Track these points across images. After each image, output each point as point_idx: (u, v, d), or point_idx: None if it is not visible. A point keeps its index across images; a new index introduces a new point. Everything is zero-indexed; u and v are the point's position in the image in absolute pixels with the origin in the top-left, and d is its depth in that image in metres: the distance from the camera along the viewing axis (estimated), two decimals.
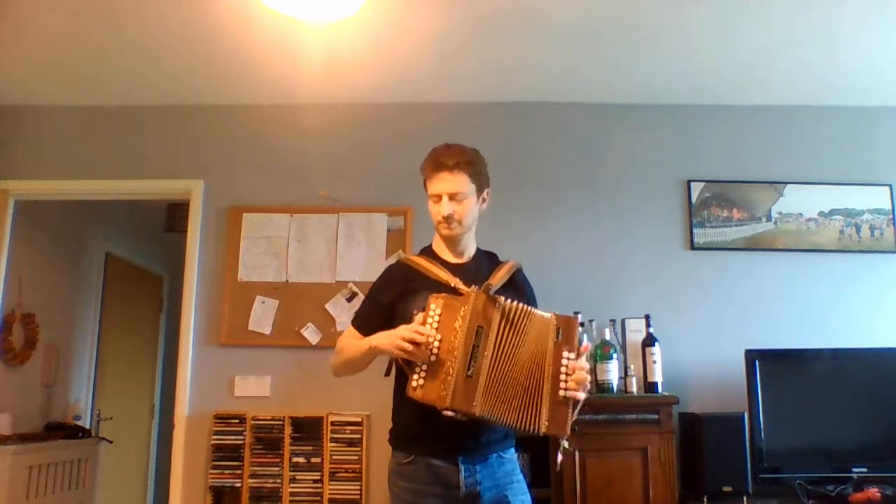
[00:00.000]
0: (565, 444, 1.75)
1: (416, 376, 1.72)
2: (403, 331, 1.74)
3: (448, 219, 1.90)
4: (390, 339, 1.76)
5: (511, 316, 1.76)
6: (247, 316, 3.35)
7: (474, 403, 1.68)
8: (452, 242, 1.97)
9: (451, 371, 1.69)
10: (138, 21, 2.82)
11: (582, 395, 1.74)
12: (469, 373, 1.70)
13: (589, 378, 1.77)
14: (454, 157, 1.89)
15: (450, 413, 1.67)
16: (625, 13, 2.76)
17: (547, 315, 1.79)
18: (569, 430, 1.72)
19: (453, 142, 1.98)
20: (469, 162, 1.90)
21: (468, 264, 1.97)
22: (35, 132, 3.58)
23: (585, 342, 1.84)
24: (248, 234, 3.43)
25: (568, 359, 1.75)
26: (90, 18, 2.80)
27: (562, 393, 1.72)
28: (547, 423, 1.71)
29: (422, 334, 1.71)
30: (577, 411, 1.74)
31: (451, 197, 1.89)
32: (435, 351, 1.72)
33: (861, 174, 3.49)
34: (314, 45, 2.97)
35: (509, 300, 1.78)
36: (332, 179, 3.48)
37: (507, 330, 1.75)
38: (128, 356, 5.00)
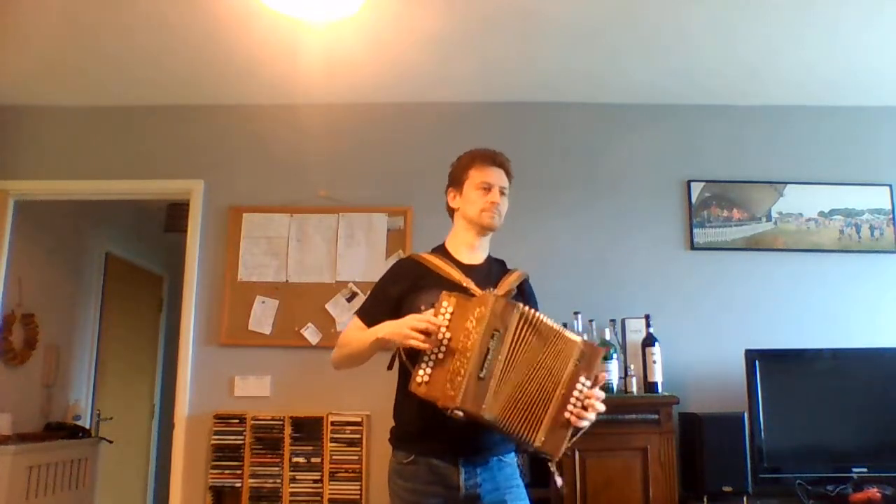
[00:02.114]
0: (552, 467, 1.73)
1: (421, 372, 1.71)
2: (413, 319, 1.73)
3: (497, 207, 1.97)
4: (398, 328, 1.75)
5: (531, 322, 1.74)
6: (247, 316, 3.35)
7: (483, 406, 1.67)
8: (481, 236, 1.99)
9: (461, 371, 1.67)
10: (138, 21, 2.82)
11: (585, 424, 1.71)
12: (482, 375, 1.68)
13: (600, 410, 1.74)
14: (507, 160, 2.04)
15: (458, 413, 1.66)
16: (625, 13, 2.76)
17: (576, 338, 1.77)
18: (560, 454, 1.70)
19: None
20: (511, 170, 2.06)
21: (480, 266, 1.97)
22: (35, 132, 3.58)
23: (604, 373, 1.82)
24: (248, 234, 3.43)
25: (584, 385, 1.73)
26: (90, 19, 2.80)
27: (566, 415, 1.70)
28: (543, 440, 1.68)
29: (432, 324, 1.70)
30: (574, 438, 1.72)
31: (501, 191, 1.99)
32: (443, 347, 1.71)
33: (861, 174, 3.49)
34: (314, 45, 2.97)
35: (528, 307, 1.77)
36: (332, 179, 3.48)
37: (524, 337, 1.73)
38: (128, 356, 5.00)
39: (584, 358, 1.75)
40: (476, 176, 1.98)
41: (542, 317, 1.77)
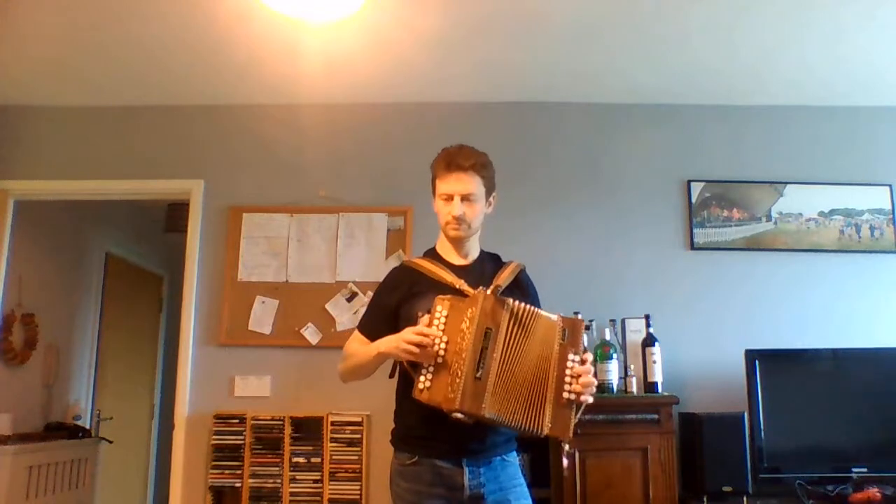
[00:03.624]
0: (566, 447, 1.75)
1: (422, 378, 1.71)
2: (408, 333, 1.74)
3: (458, 219, 1.90)
4: (395, 343, 1.76)
5: (520, 317, 1.76)
6: (247, 316, 3.35)
7: (483, 405, 1.67)
8: (458, 244, 1.97)
9: (459, 373, 1.68)
10: (138, 21, 2.82)
11: (587, 399, 1.73)
12: (478, 375, 1.69)
13: (594, 381, 1.77)
14: (469, 157, 1.90)
15: (459, 415, 1.67)
16: (625, 13, 2.76)
17: (553, 317, 1.79)
18: (571, 432, 1.72)
19: (453, 142, 1.99)
20: (483, 164, 1.92)
21: (472, 266, 1.97)
22: (35, 132, 3.58)
23: (588, 353, 1.83)
24: (248, 234, 3.43)
25: (573, 361, 1.75)
26: (90, 18, 2.80)
27: (566, 395, 1.72)
28: (550, 425, 1.70)
29: (427, 335, 1.71)
30: (579, 414, 1.74)
31: (463, 198, 1.89)
32: (441, 353, 1.71)
33: (861, 174, 3.49)
34: (314, 45, 2.97)
35: (517, 301, 1.78)
36: (332, 179, 3.48)
37: (515, 332, 1.75)
38: (128, 356, 5.00)
39: (567, 334, 1.77)
40: (439, 186, 1.93)
41: (530, 308, 1.77)
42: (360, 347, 1.94)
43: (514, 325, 1.75)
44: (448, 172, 1.89)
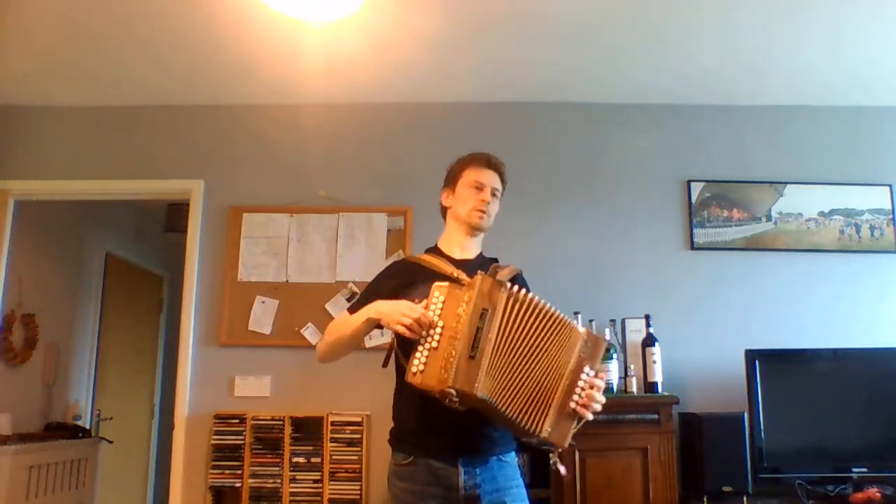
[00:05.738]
0: (555, 458, 1.73)
1: (416, 362, 1.69)
2: (406, 306, 1.74)
3: (487, 206, 1.98)
4: (392, 309, 1.76)
5: (520, 302, 1.74)
6: (247, 316, 3.35)
7: (476, 384, 1.65)
8: (470, 235, 2.01)
9: (453, 353, 1.66)
10: (139, 21, 2.82)
11: (590, 416, 1.72)
12: (472, 354, 1.67)
13: (602, 401, 1.75)
14: (501, 164, 2.06)
15: (451, 392, 1.64)
16: (625, 13, 2.76)
17: (580, 328, 1.78)
18: (566, 443, 1.71)
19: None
20: (506, 175, 2.08)
21: (473, 261, 1.98)
22: (35, 132, 3.58)
23: (604, 372, 1.83)
24: (248, 234, 3.43)
25: (588, 374, 1.74)
26: (91, 18, 2.80)
27: (572, 405, 1.71)
28: (549, 430, 1.68)
29: (424, 315, 1.71)
30: (578, 427, 1.73)
31: (493, 193, 2.01)
32: (437, 337, 1.70)
33: (861, 174, 3.49)
34: (314, 45, 2.97)
35: (517, 287, 1.76)
36: (332, 179, 3.48)
37: (514, 315, 1.73)
38: (128, 356, 5.00)
39: (588, 348, 1.76)
40: (469, 175, 2.01)
41: (534, 297, 1.76)
42: (347, 318, 1.94)
43: (512, 306, 1.73)
44: (487, 168, 2.02)
